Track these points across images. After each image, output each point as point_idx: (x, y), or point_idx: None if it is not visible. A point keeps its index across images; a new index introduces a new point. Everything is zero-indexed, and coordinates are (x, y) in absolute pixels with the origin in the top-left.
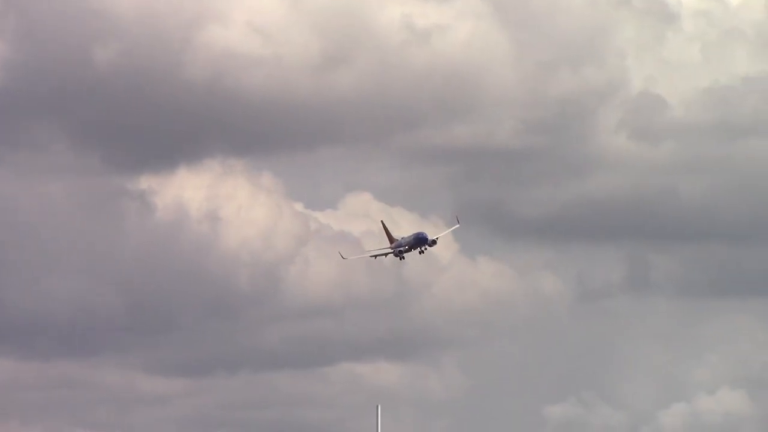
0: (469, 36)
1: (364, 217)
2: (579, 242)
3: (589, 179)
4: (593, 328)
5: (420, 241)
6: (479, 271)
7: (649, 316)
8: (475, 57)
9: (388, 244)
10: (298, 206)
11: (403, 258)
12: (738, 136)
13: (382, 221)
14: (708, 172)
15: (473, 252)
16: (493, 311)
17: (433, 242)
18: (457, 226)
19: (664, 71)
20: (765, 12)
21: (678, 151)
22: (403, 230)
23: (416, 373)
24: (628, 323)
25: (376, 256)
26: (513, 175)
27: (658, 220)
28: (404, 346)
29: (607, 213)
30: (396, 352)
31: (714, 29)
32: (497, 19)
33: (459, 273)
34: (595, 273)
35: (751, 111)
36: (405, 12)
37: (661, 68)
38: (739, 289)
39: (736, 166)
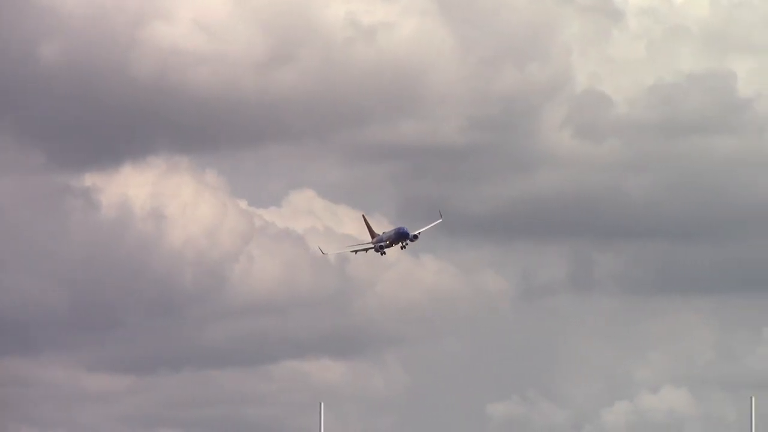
0: (414, 33)
1: (307, 214)
2: (523, 240)
3: (533, 177)
4: (537, 326)
5: (401, 236)
6: (423, 269)
7: (592, 314)
8: (420, 54)
9: (370, 239)
10: (242, 204)
11: (384, 253)
12: (683, 133)
13: (363, 215)
14: (653, 169)
15: (417, 250)
16: (437, 309)
17: (415, 237)
18: (440, 220)
19: (609, 68)
20: (710, 9)
21: (622, 149)
22: (347, 228)
23: (360, 370)
24: (572, 321)
25: (356, 251)
26: (458, 172)
27: (603, 217)
28: (348, 344)
29: (552, 211)
30: (340, 349)
31: (659, 26)
32: (442, 16)
33: (403, 271)
34: (539, 271)
35: (695, 109)
36: (350, 9)
37: (606, 65)
38: (682, 286)
39: (680, 164)
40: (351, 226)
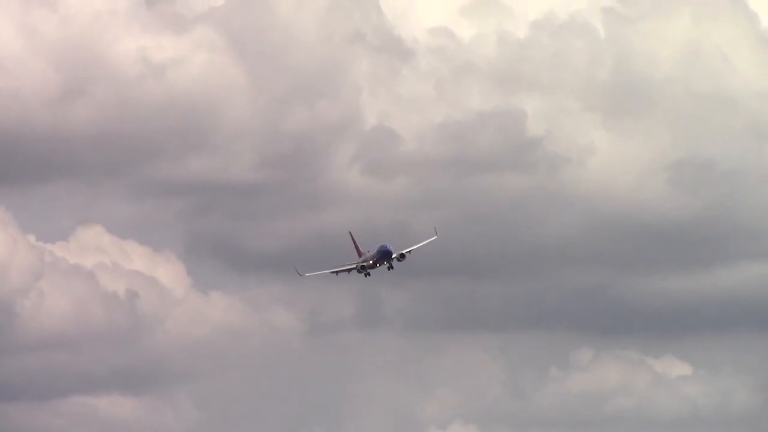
0: (204, 69)
1: (95, 250)
2: (312, 277)
3: (322, 213)
4: (326, 363)
5: (384, 255)
6: (212, 306)
7: (381, 350)
8: (210, 90)
9: (357, 258)
10: (31, 238)
11: (369, 274)
12: (472, 171)
13: (350, 232)
14: (442, 206)
15: (206, 287)
16: (226, 345)
17: (402, 256)
18: (435, 237)
19: (399, 106)
20: (497, 48)
21: (411, 186)
22: (135, 264)
23: (149, 406)
24: (361, 358)
25: (338, 272)
26: (247, 209)
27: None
28: (138, 380)
29: (340, 247)
30: (129, 385)
31: (447, 65)
32: (234, 53)
33: (192, 307)
34: (327, 307)
35: (484, 146)
36: (140, 45)
37: (395, 104)
38: (471, 324)
39: (470, 202)
40: (139, 263)
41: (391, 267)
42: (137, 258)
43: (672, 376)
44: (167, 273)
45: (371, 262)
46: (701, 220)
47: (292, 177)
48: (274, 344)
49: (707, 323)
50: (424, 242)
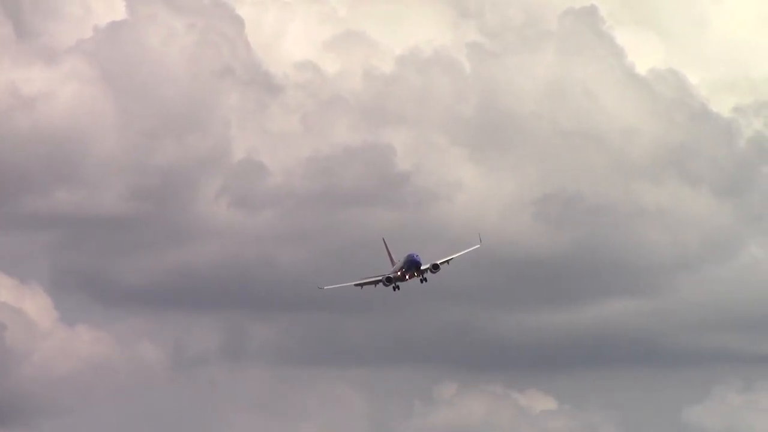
0: (73, 102)
1: None
2: (177, 310)
3: (189, 247)
4: (190, 396)
5: (411, 265)
6: (78, 339)
7: (246, 384)
8: (79, 123)
9: (390, 267)
10: None
11: (397, 287)
12: (339, 205)
13: (383, 239)
14: (308, 241)
15: (73, 320)
16: (92, 379)
17: (435, 267)
18: (478, 246)
19: (267, 140)
20: (363, 82)
21: (278, 220)
22: (1, 295)
23: None
24: (226, 391)
25: (362, 285)
26: (114, 242)
27: (257, 288)
28: (3, 414)
29: (207, 281)
30: None
31: (314, 99)
32: (102, 86)
33: (58, 341)
34: (192, 341)
35: (352, 180)
36: (10, 78)
37: (263, 137)
38: (334, 357)
39: (336, 235)
40: (5, 294)
41: (423, 279)
42: (4, 290)
43: (536, 411)
44: (34, 305)
45: (398, 273)
46: (567, 255)
47: (161, 210)
48: (141, 378)
49: (572, 358)
50: (466, 251)
